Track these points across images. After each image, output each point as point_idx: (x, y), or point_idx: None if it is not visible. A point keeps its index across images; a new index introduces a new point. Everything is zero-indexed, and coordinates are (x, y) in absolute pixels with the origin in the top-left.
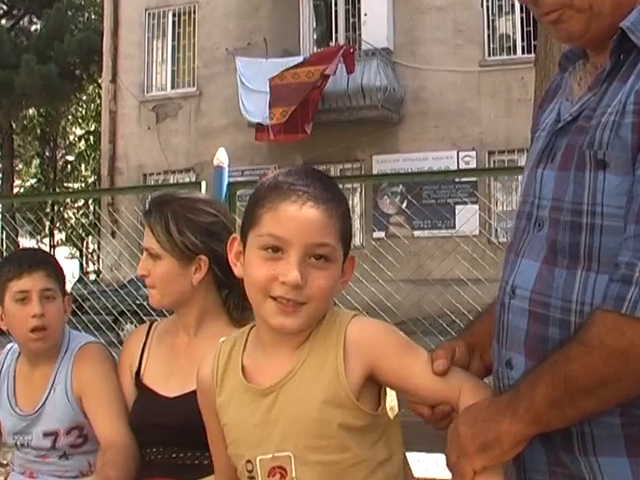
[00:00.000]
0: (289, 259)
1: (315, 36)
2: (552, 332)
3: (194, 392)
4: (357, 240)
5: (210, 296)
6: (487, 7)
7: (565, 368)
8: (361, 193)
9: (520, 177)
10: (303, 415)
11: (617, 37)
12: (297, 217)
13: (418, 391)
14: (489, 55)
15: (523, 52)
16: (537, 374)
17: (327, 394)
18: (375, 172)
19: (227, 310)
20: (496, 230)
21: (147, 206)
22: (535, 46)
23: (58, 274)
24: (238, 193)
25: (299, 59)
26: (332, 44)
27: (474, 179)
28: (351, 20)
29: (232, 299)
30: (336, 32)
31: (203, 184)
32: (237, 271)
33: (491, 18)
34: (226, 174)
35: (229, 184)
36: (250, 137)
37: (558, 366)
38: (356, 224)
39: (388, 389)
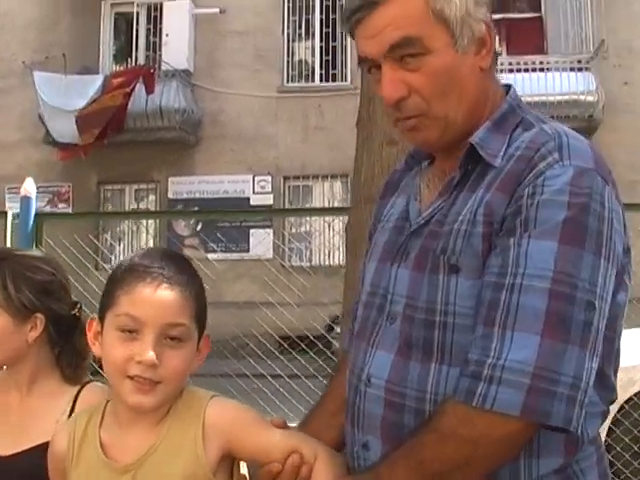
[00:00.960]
0: (145, 339)
1: (115, 53)
2: (407, 419)
3: (29, 450)
4: None
5: (43, 354)
6: (287, 34)
7: (420, 453)
8: None
9: None
10: None
11: (466, 151)
12: (152, 298)
13: (269, 451)
14: (288, 81)
15: (321, 80)
16: (394, 458)
17: (186, 473)
18: (171, 194)
19: (60, 368)
20: (290, 255)
21: None
22: (334, 74)
23: None
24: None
25: (98, 77)
26: (132, 63)
27: (269, 203)
28: (152, 39)
29: (65, 357)
30: (136, 50)
31: (9, 214)
32: (95, 350)
33: (291, 45)
34: (34, 205)
35: (36, 215)
36: (44, 153)
37: (414, 451)
38: (150, 245)
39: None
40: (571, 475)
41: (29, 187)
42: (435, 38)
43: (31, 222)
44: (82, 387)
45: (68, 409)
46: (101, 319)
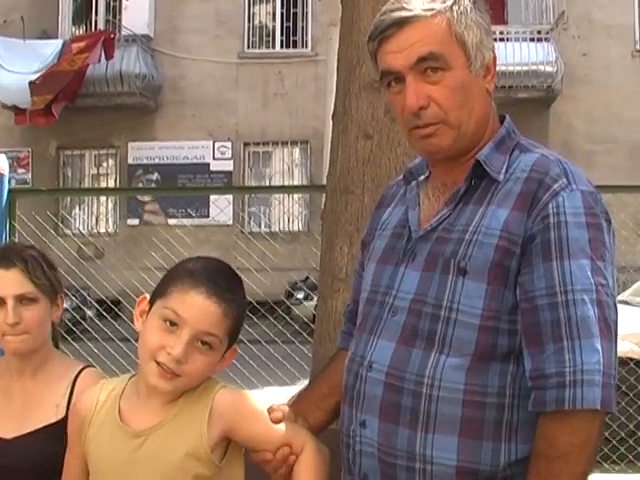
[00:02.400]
0: (181, 336)
1: (74, 18)
2: (405, 400)
3: (31, 434)
4: (110, 226)
5: (49, 334)
6: (248, 0)
7: None
8: (116, 180)
9: None
10: (167, 461)
11: (473, 166)
12: (199, 305)
13: (263, 442)
14: (248, 47)
15: (282, 46)
16: None
17: (190, 448)
18: (130, 159)
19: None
20: (249, 221)
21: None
22: (294, 41)
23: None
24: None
25: (58, 42)
26: (92, 27)
27: (229, 169)
28: (112, 4)
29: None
30: (96, 15)
31: None
32: (138, 325)
33: (252, 11)
34: (6, 182)
35: (9, 191)
36: (3, 118)
37: None
38: (109, 210)
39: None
40: None
41: (2, 164)
42: (455, 57)
43: (4, 200)
44: (79, 372)
45: (67, 393)
46: (151, 302)
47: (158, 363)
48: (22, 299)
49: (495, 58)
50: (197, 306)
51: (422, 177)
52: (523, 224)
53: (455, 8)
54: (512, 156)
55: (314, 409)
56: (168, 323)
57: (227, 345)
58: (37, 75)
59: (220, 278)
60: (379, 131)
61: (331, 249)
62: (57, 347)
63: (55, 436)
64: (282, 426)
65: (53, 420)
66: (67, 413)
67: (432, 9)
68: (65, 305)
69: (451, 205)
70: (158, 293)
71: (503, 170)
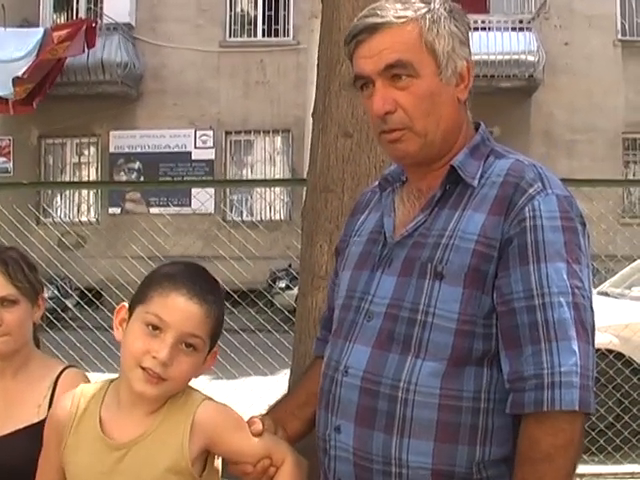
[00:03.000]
0: (165, 339)
1: (55, 6)
2: (381, 405)
3: (13, 434)
4: (92, 215)
5: (30, 333)
6: None
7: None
8: (97, 168)
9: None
10: (148, 474)
11: (447, 171)
12: (182, 307)
13: (244, 454)
14: (230, 36)
15: (263, 35)
16: None
17: (171, 462)
18: (112, 148)
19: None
20: (231, 209)
21: None
22: (276, 30)
23: None
24: None
25: (39, 30)
26: (73, 16)
27: (211, 157)
28: None
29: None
30: (77, 3)
31: None
32: (118, 335)
33: (234, 0)
34: None
35: None
36: None
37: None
38: (91, 199)
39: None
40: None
41: None
42: (424, 65)
43: None
44: (61, 372)
45: (49, 394)
46: (130, 310)
47: (144, 369)
48: (3, 301)
49: (470, 67)
50: (179, 308)
51: (398, 184)
52: (500, 228)
53: (428, 16)
54: (487, 162)
55: (292, 418)
56: (151, 328)
57: (209, 347)
58: (18, 63)
59: (200, 280)
60: (359, 130)
61: (311, 247)
62: (38, 347)
63: (37, 436)
64: (263, 438)
65: (35, 420)
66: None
67: (404, 17)
68: (46, 294)
69: (427, 210)
70: (137, 300)
71: (478, 175)
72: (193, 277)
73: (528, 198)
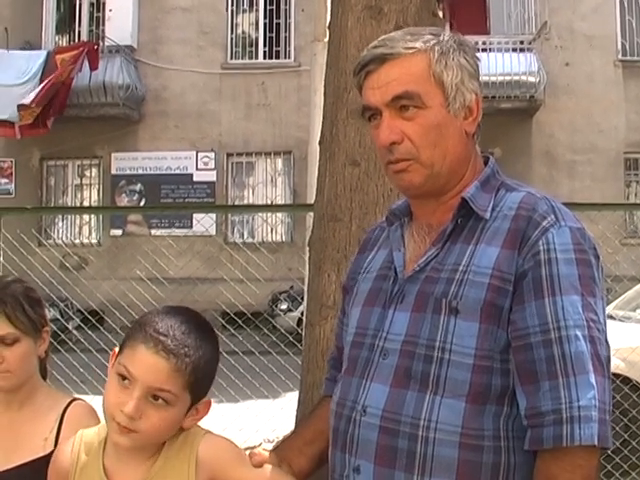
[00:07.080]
0: (132, 393)
1: (58, 29)
2: (401, 443)
3: (19, 467)
4: (94, 237)
5: (35, 367)
6: (232, 11)
7: None
8: (99, 190)
9: None
10: None
11: (459, 204)
12: (147, 361)
13: None
14: (231, 58)
15: (265, 57)
16: None
17: None
18: (114, 170)
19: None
20: (232, 230)
21: None
22: (277, 52)
23: None
24: None
25: (42, 53)
26: (75, 38)
27: (213, 179)
28: (95, 14)
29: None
30: (79, 26)
31: None
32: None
33: (235, 22)
34: None
35: None
36: None
37: None
38: (92, 221)
39: None
40: None
41: None
42: (432, 96)
43: None
44: (67, 405)
45: (56, 427)
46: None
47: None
48: (2, 340)
49: (479, 101)
50: (144, 362)
51: (406, 219)
52: (514, 262)
53: (437, 48)
54: (498, 195)
55: (298, 455)
56: (122, 379)
57: (192, 399)
58: (22, 87)
59: (177, 331)
60: (366, 158)
61: (319, 276)
62: (45, 378)
63: (43, 470)
64: (267, 470)
65: (42, 454)
66: (56, 447)
67: (413, 48)
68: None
69: (439, 244)
70: (120, 347)
71: (489, 208)
72: (170, 329)
73: (542, 231)
